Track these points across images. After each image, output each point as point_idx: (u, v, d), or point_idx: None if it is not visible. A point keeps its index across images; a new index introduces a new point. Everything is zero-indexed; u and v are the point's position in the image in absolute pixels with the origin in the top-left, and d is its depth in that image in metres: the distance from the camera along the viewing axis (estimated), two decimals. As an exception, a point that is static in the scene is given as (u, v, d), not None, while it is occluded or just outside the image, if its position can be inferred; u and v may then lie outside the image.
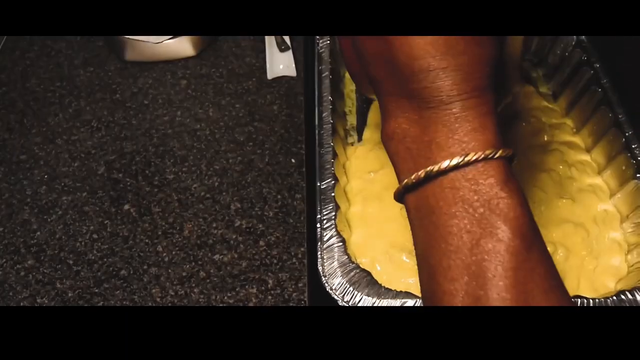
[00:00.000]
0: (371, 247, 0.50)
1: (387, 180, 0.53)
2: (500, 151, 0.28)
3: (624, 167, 0.50)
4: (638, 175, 0.49)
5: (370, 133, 0.58)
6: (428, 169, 0.28)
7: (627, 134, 0.51)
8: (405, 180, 0.30)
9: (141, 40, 0.67)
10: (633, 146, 0.50)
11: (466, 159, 0.28)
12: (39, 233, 0.54)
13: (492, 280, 0.27)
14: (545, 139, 0.57)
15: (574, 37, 0.59)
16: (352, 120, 0.60)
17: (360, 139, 0.58)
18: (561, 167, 0.54)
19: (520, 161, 0.55)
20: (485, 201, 0.27)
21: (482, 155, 0.27)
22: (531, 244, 0.28)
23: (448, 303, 0.28)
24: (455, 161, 0.28)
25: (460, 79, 0.28)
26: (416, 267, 0.46)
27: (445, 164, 0.28)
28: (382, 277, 0.46)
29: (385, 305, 0.42)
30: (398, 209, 0.51)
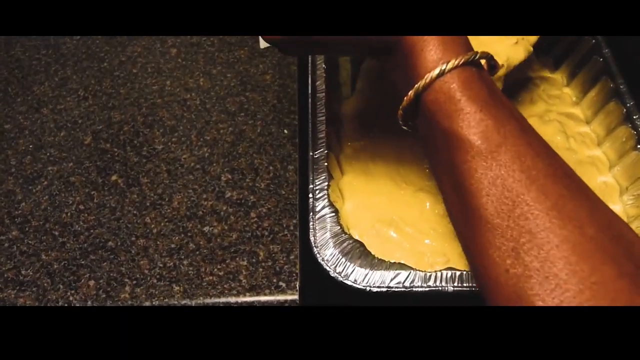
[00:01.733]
0: (360, 219, 0.48)
1: (373, 150, 0.52)
2: (452, 62, 0.29)
3: (624, 139, 0.49)
4: (638, 146, 0.48)
5: (362, 84, 0.57)
6: (414, 88, 0.30)
7: (628, 105, 0.50)
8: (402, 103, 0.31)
9: (129, 7, 0.65)
10: (634, 117, 0.49)
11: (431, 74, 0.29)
12: (23, 204, 0.53)
13: (468, 187, 0.29)
14: (544, 108, 0.56)
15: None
16: (347, 93, 0.58)
17: (353, 90, 0.58)
18: (559, 138, 0.53)
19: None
20: (448, 113, 0.29)
21: (438, 72, 0.29)
22: (498, 146, 0.28)
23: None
24: (427, 78, 0.29)
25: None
26: (403, 242, 0.46)
27: (419, 83, 0.30)
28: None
29: (379, 276, 0.41)
30: (384, 182, 0.50)
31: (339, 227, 0.43)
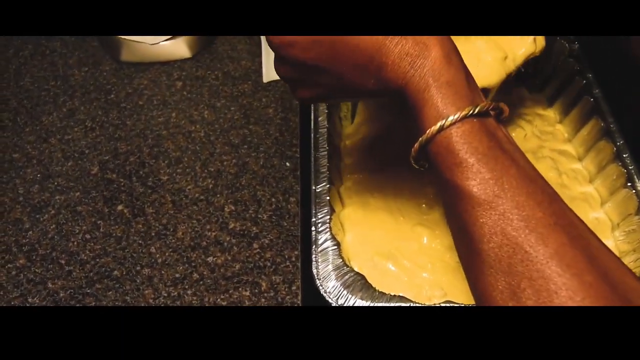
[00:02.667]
0: (360, 252, 0.50)
1: (372, 183, 0.54)
2: (451, 118, 0.30)
3: (614, 176, 0.51)
4: (629, 184, 0.50)
5: (361, 118, 0.60)
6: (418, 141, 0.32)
7: (617, 144, 0.52)
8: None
9: (137, 41, 0.67)
10: (624, 155, 0.51)
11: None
12: (31, 232, 0.54)
13: (471, 234, 0.31)
14: (537, 144, 0.58)
15: (567, 46, 0.60)
16: (347, 126, 0.60)
17: (352, 119, 0.60)
18: (552, 174, 0.55)
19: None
20: (448, 165, 0.31)
21: (438, 127, 0.30)
22: (497, 197, 0.30)
23: None
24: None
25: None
26: (401, 275, 0.47)
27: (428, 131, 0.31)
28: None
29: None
30: (382, 215, 0.51)
31: (341, 260, 0.44)
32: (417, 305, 0.43)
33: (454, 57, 0.32)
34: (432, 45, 0.31)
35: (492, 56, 0.48)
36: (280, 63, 0.36)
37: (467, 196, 0.30)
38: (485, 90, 0.49)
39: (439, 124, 0.30)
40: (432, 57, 0.31)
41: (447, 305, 0.43)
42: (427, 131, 0.31)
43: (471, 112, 0.30)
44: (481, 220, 0.30)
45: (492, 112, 0.32)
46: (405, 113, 0.33)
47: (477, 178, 0.30)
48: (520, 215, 0.29)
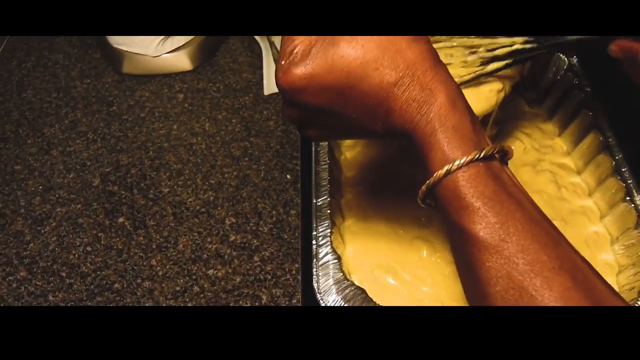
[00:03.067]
0: (360, 265, 0.50)
1: (371, 196, 0.54)
2: (457, 162, 0.31)
3: (613, 190, 0.51)
4: (627, 198, 0.50)
5: None
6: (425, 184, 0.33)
7: (616, 158, 0.52)
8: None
9: (139, 54, 0.68)
10: (622, 169, 0.51)
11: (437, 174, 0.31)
12: (32, 244, 0.54)
13: (478, 276, 0.31)
14: (536, 157, 0.58)
15: (566, 60, 0.60)
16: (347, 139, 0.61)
17: None
18: (552, 188, 0.55)
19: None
20: (455, 209, 0.31)
21: (445, 171, 0.31)
22: (502, 241, 0.30)
23: None
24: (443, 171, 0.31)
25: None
26: (401, 289, 0.48)
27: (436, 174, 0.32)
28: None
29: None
30: (382, 228, 0.52)
31: (342, 274, 0.45)
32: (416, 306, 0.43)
33: (459, 101, 0.32)
34: (438, 91, 0.31)
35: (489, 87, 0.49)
36: (288, 106, 0.36)
37: (474, 240, 0.30)
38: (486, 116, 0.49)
39: (445, 168, 0.31)
40: (438, 102, 0.31)
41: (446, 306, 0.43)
42: (435, 174, 0.31)
43: (477, 156, 0.31)
44: (487, 264, 0.30)
45: (497, 155, 0.32)
46: (412, 154, 0.34)
47: (483, 222, 0.30)
48: (526, 259, 0.29)
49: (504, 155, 0.33)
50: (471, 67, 0.45)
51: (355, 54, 0.31)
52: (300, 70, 0.32)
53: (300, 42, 0.33)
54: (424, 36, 0.33)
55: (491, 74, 0.46)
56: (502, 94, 0.49)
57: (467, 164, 0.30)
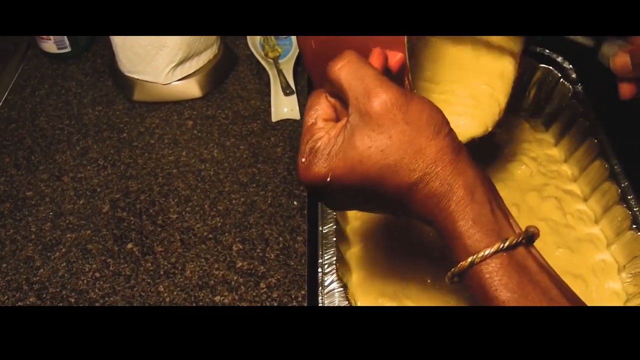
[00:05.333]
0: (365, 292, 0.50)
1: (376, 223, 0.54)
2: (481, 254, 0.31)
3: (620, 218, 0.51)
4: (634, 226, 0.50)
5: None
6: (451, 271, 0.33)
7: (622, 185, 0.52)
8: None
9: (150, 81, 0.69)
10: (629, 197, 0.51)
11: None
12: (41, 270, 0.55)
13: None
14: (542, 182, 0.59)
15: (571, 88, 0.61)
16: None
17: None
18: (557, 215, 0.55)
19: (520, 206, 0.56)
20: (479, 299, 0.32)
21: (469, 262, 0.31)
22: None
23: None
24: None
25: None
26: None
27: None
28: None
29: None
30: (388, 255, 0.52)
31: (347, 302, 0.45)
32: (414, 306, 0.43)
33: (479, 191, 0.32)
34: (456, 185, 0.32)
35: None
36: (310, 191, 0.38)
37: None
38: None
39: (469, 260, 0.31)
40: (457, 196, 0.32)
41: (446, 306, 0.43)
42: (458, 265, 0.32)
43: (500, 247, 0.31)
44: None
45: (523, 241, 0.32)
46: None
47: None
48: None
49: (531, 239, 0.33)
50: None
51: (375, 158, 0.32)
52: (319, 171, 0.33)
53: (319, 139, 0.34)
54: (445, 125, 0.33)
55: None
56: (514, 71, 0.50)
57: (490, 256, 0.31)
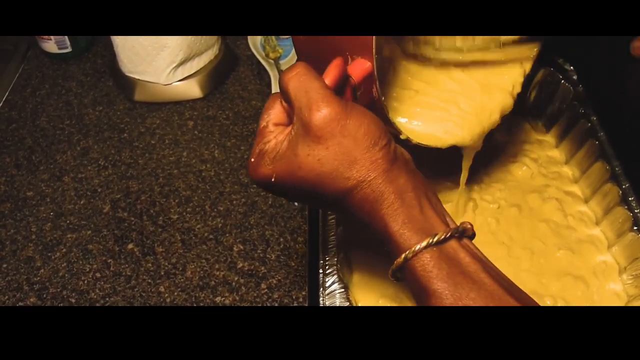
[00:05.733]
0: (366, 293, 0.50)
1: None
2: (412, 250, 0.33)
3: (621, 220, 0.51)
4: (635, 227, 0.50)
5: None
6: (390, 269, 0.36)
7: (623, 187, 0.52)
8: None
9: (150, 82, 0.69)
10: (630, 199, 0.51)
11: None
12: (42, 270, 0.55)
13: None
14: (543, 183, 0.59)
15: (572, 89, 0.61)
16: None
17: None
18: (558, 216, 0.55)
19: (521, 207, 0.56)
20: (415, 291, 0.35)
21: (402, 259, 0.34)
22: None
23: None
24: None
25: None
26: None
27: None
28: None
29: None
30: (388, 256, 0.52)
31: (348, 303, 0.45)
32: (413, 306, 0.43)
33: (408, 197, 0.35)
34: (387, 192, 0.34)
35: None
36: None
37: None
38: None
39: (402, 257, 0.34)
40: (387, 202, 0.34)
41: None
42: (394, 262, 0.34)
43: (429, 242, 0.33)
44: None
45: (455, 235, 0.34)
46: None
47: (439, 303, 0.33)
48: None
49: (463, 233, 0.35)
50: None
51: (312, 166, 0.34)
52: (265, 172, 0.36)
53: (268, 142, 0.37)
54: (382, 138, 0.35)
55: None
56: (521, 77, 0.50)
57: (420, 251, 0.33)
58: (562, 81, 0.62)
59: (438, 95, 0.49)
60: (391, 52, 0.49)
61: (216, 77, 0.72)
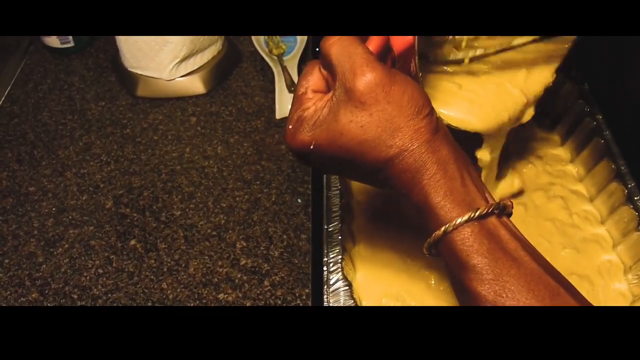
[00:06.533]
0: (370, 292, 0.50)
1: (381, 222, 0.54)
2: (452, 223, 0.33)
3: (626, 219, 0.51)
4: (640, 227, 0.50)
5: None
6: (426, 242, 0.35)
7: (629, 186, 0.52)
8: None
9: (153, 77, 0.69)
10: (635, 198, 0.51)
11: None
12: (44, 266, 0.54)
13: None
14: (548, 181, 0.58)
15: (577, 87, 0.61)
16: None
17: None
18: (563, 214, 0.55)
19: (527, 206, 0.56)
20: (453, 266, 0.34)
21: (442, 231, 0.33)
22: (497, 296, 0.32)
23: None
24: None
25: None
26: None
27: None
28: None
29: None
30: (391, 255, 0.51)
31: (352, 301, 0.45)
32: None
33: (450, 168, 0.34)
34: (430, 161, 0.33)
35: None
36: (296, 155, 0.39)
37: (472, 294, 0.32)
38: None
39: (442, 230, 0.33)
40: (430, 172, 0.33)
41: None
42: (433, 235, 0.33)
43: (471, 216, 0.32)
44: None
45: (495, 212, 0.33)
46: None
47: (479, 279, 0.32)
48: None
49: (503, 210, 0.34)
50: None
51: (354, 132, 0.34)
52: (304, 138, 0.35)
53: (307, 109, 0.36)
54: (425, 107, 0.34)
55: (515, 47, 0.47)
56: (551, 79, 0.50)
57: (462, 224, 0.32)
58: (568, 79, 0.61)
59: (467, 88, 0.49)
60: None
61: (219, 73, 0.72)
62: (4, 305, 0.52)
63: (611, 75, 0.63)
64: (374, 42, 0.37)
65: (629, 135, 0.56)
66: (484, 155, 0.50)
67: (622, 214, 0.52)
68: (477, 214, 0.32)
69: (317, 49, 0.72)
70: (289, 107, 0.66)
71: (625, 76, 0.61)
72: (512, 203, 0.34)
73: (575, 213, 0.56)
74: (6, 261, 0.55)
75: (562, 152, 0.62)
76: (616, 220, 0.52)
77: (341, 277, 0.46)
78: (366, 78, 0.33)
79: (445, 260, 0.34)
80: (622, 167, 0.54)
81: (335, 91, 0.34)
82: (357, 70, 0.33)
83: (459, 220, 0.32)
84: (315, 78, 0.37)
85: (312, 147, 0.35)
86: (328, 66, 0.35)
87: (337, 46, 0.34)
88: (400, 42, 0.37)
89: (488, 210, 0.33)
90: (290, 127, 0.36)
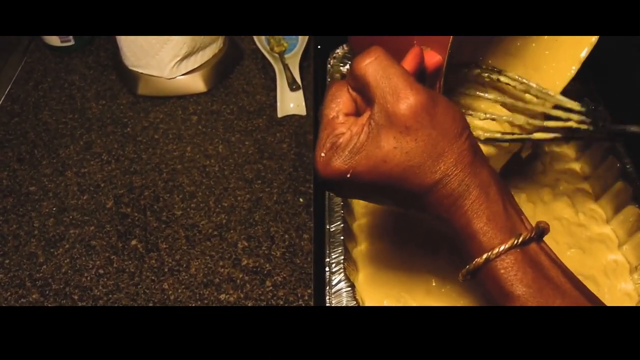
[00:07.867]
0: (371, 294, 0.49)
1: (382, 224, 0.54)
2: (495, 250, 0.32)
3: (632, 219, 0.50)
4: (647, 226, 0.49)
5: None
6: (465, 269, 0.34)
7: (634, 185, 0.51)
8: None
9: (154, 76, 0.68)
10: (641, 197, 0.51)
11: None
12: (44, 266, 0.54)
13: None
14: (554, 178, 0.58)
15: (582, 85, 0.60)
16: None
17: None
18: (569, 213, 0.55)
19: (536, 203, 0.56)
20: (495, 295, 0.33)
21: (484, 259, 0.32)
22: None
23: None
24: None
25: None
26: None
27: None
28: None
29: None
30: (393, 256, 0.51)
31: (355, 302, 0.44)
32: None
33: (492, 191, 0.33)
34: (473, 185, 0.32)
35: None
36: (323, 184, 0.38)
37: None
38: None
39: (484, 257, 0.32)
40: (472, 196, 0.32)
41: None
42: (473, 262, 0.32)
43: (514, 243, 0.31)
44: None
45: (535, 236, 0.32)
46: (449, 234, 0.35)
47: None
48: None
49: (542, 234, 0.33)
50: (516, 126, 0.45)
51: (399, 159, 0.32)
52: (340, 167, 0.33)
53: (341, 135, 0.33)
54: (466, 128, 0.33)
55: (534, 141, 0.45)
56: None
57: (505, 252, 0.31)
58: (573, 77, 0.60)
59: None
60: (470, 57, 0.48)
61: (220, 71, 0.71)
62: (5, 305, 0.51)
63: (617, 73, 0.62)
64: (409, 63, 0.35)
65: (635, 134, 0.55)
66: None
67: (627, 214, 0.51)
68: (520, 240, 0.31)
69: (319, 47, 0.72)
70: (291, 105, 0.67)
71: (631, 74, 0.61)
72: (548, 226, 0.33)
73: (581, 211, 0.55)
74: (6, 262, 0.54)
75: (567, 150, 0.61)
76: (622, 220, 0.52)
77: (343, 277, 0.46)
78: (410, 101, 0.31)
79: (486, 287, 0.33)
80: (627, 166, 0.53)
81: (373, 115, 0.32)
82: (401, 93, 0.31)
83: (502, 248, 0.31)
84: (345, 100, 0.35)
85: (349, 175, 0.33)
86: (362, 87, 0.33)
87: (375, 67, 0.32)
88: (431, 61, 0.36)
89: (530, 235, 0.32)
90: (322, 154, 0.34)
